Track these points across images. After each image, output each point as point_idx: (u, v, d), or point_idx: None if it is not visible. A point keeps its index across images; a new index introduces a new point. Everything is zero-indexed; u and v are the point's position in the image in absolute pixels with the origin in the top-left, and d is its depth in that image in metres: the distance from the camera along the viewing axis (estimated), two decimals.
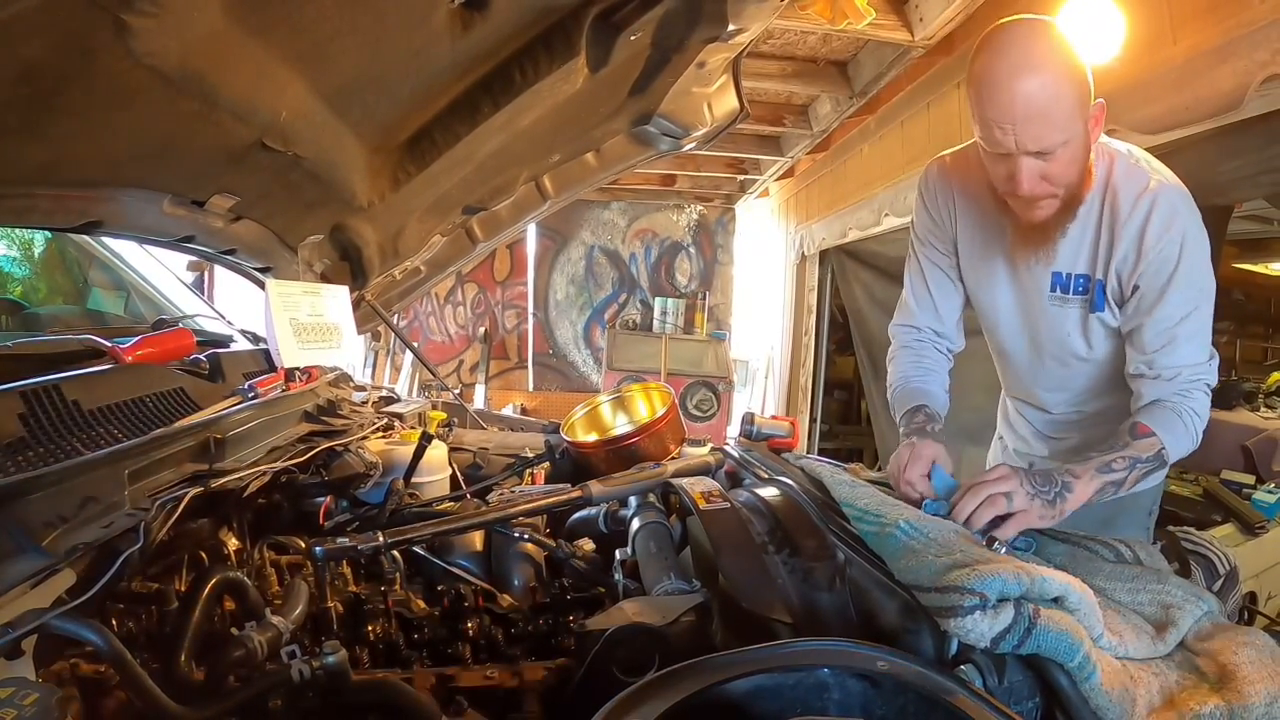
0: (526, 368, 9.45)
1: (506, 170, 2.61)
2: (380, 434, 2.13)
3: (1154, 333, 1.66)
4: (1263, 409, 4.87)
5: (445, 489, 2.07)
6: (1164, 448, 1.59)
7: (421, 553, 1.70)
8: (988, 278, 1.90)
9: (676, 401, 2.40)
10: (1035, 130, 1.52)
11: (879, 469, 1.88)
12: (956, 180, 1.89)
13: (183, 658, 1.06)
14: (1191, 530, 1.81)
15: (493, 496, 1.97)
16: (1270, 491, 3.67)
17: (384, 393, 2.88)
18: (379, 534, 1.42)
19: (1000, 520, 1.40)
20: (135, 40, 1.09)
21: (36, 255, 2.59)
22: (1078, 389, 1.95)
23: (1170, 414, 1.62)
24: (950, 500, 1.47)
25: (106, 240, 2.50)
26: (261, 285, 2.22)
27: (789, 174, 7.63)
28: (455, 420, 2.76)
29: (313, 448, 1.70)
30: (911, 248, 2.04)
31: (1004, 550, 1.27)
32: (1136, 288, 1.67)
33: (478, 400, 8.72)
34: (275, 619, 1.16)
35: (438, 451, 2.06)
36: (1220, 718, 1.03)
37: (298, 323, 2.08)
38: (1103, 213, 1.69)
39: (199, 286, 3.55)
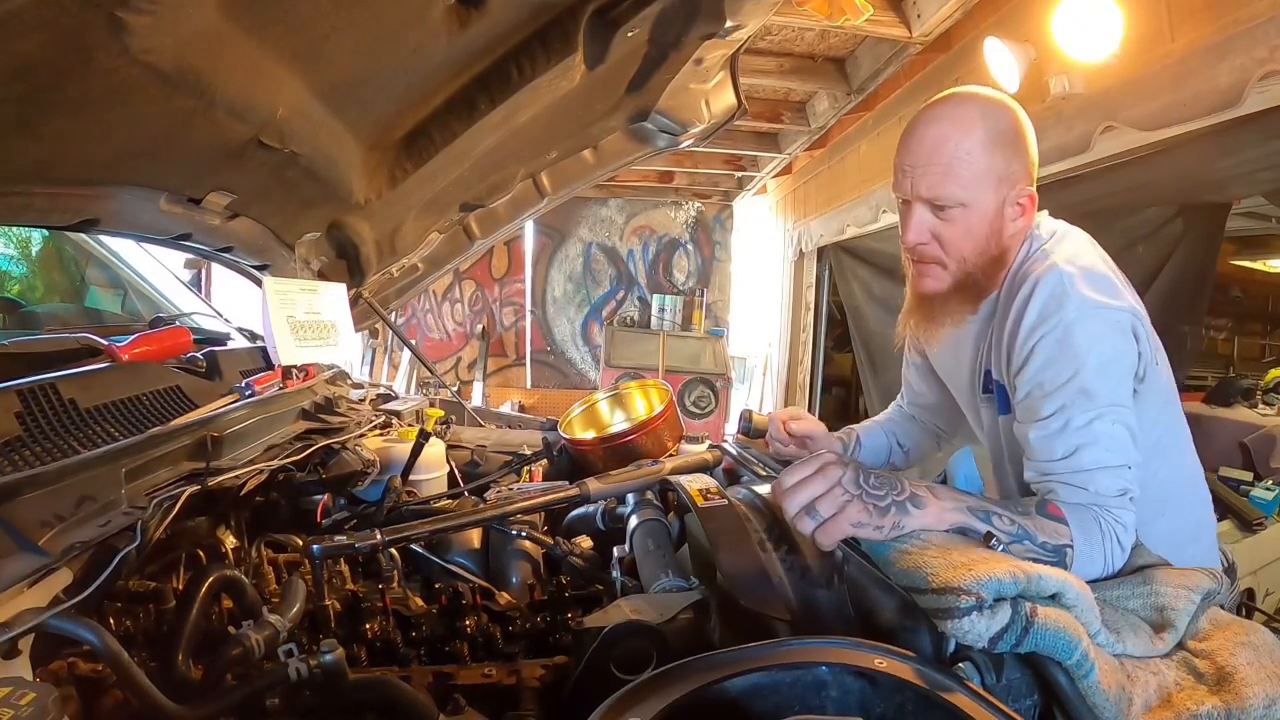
0: (524, 365, 9.45)
1: (504, 167, 2.61)
2: (378, 432, 2.13)
3: (1038, 436, 1.39)
4: (1260, 406, 4.88)
5: (443, 487, 2.07)
6: (1071, 547, 1.28)
7: (419, 550, 1.70)
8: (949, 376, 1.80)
9: (674, 399, 2.41)
10: (933, 177, 1.44)
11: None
12: None
13: (180, 656, 1.06)
14: None
15: (490, 494, 1.97)
16: (1268, 488, 3.68)
17: (381, 390, 2.88)
18: (376, 532, 1.42)
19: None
20: (131, 37, 1.08)
21: (34, 253, 2.58)
22: None
23: (1091, 520, 1.32)
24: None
25: (104, 238, 2.50)
26: (259, 283, 2.21)
27: (787, 171, 7.64)
28: (453, 418, 2.75)
29: (310, 445, 1.70)
30: None
31: (1000, 548, 1.27)
32: (1029, 394, 1.41)
33: (475, 398, 8.73)
34: (273, 617, 1.16)
35: (435, 449, 2.06)
36: (1218, 719, 1.03)
37: (295, 320, 2.08)
38: (1010, 304, 1.47)
39: (196, 284, 3.54)
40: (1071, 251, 1.45)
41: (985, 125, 1.44)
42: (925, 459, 2.04)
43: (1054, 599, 1.08)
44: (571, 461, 2.30)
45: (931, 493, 1.25)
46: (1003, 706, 0.91)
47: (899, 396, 2.07)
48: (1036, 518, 1.29)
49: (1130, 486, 1.35)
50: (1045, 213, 1.58)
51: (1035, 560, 1.21)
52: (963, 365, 1.66)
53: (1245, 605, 1.86)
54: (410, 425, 2.32)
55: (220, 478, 1.34)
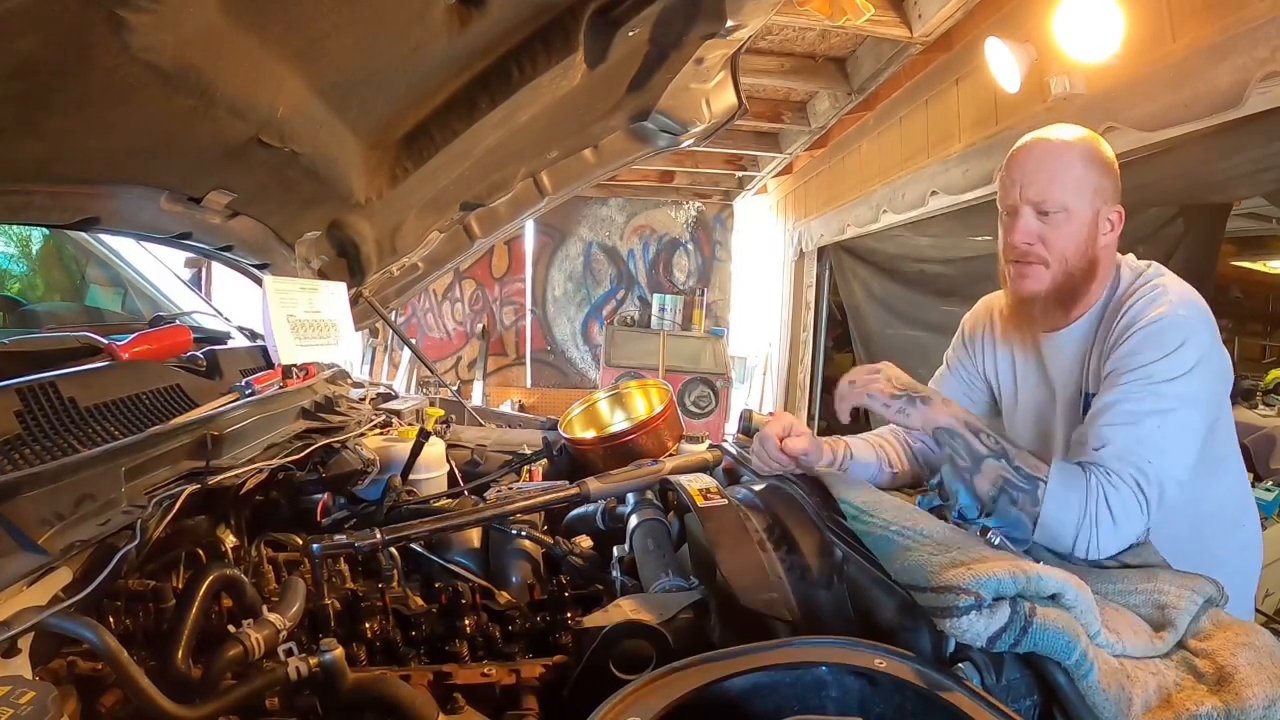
0: (524, 364, 9.44)
1: (504, 167, 2.61)
2: (378, 431, 2.13)
3: (1103, 404, 1.50)
4: (1261, 406, 4.89)
5: (443, 486, 2.07)
6: (1044, 483, 1.40)
7: (419, 550, 1.70)
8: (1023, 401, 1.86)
9: (674, 398, 2.41)
10: (1040, 184, 1.59)
11: None
12: (995, 308, 1.91)
13: (179, 655, 1.06)
14: None
15: (490, 493, 1.97)
16: (1268, 489, 3.68)
17: (381, 389, 2.88)
18: (376, 531, 1.42)
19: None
20: (132, 36, 1.08)
21: (34, 252, 2.58)
22: None
23: (1078, 477, 1.42)
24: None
25: (104, 237, 2.50)
26: (259, 282, 2.21)
27: (787, 170, 7.64)
28: (453, 417, 2.75)
29: (310, 445, 1.70)
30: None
31: (997, 540, 1.27)
32: (1108, 374, 1.54)
33: (475, 397, 8.73)
34: (272, 616, 1.16)
35: (435, 448, 2.06)
36: (1217, 719, 1.03)
37: (295, 319, 2.08)
38: (1112, 320, 1.60)
39: (196, 283, 3.54)
40: (1174, 278, 1.62)
41: (1083, 146, 1.62)
42: (909, 485, 2.04)
43: (1053, 599, 1.08)
44: (571, 461, 2.30)
45: (943, 401, 1.53)
46: (1002, 706, 0.91)
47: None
48: (1023, 452, 1.46)
49: (1153, 485, 1.41)
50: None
51: (1007, 482, 1.43)
52: (1055, 385, 1.73)
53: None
54: (410, 424, 2.32)
55: (220, 477, 1.34)
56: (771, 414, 1.95)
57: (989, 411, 1.95)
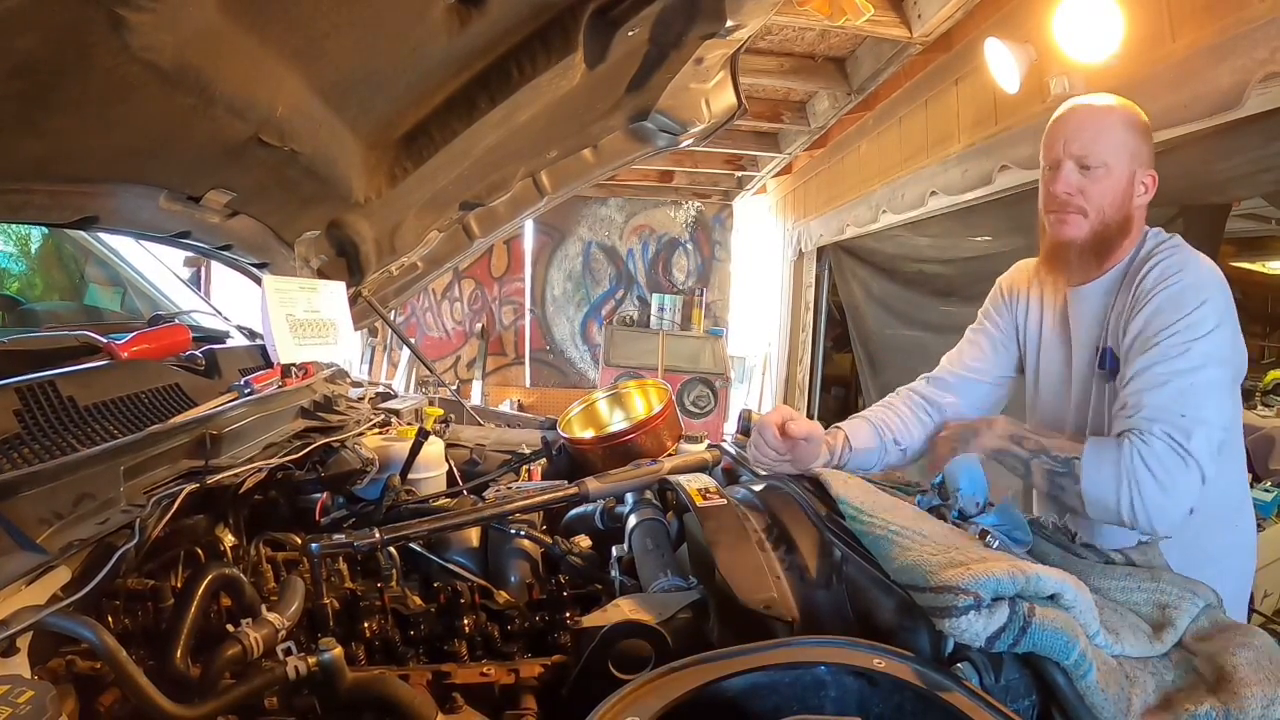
0: (523, 364, 9.45)
1: (504, 166, 2.61)
2: (377, 430, 2.13)
3: (1135, 369, 1.61)
4: (1260, 407, 4.88)
5: (442, 485, 2.07)
6: (1078, 461, 1.56)
7: (418, 549, 1.70)
8: (1047, 352, 1.94)
9: (673, 398, 2.41)
10: (1084, 140, 1.71)
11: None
12: (1031, 268, 2.00)
13: (178, 654, 1.06)
14: None
15: (489, 493, 1.97)
16: (1267, 490, 3.68)
17: (381, 389, 2.88)
18: (375, 530, 1.42)
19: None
20: (131, 35, 1.08)
21: (33, 251, 2.58)
22: None
23: (1110, 445, 1.56)
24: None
25: (103, 236, 2.50)
26: (258, 281, 2.21)
27: (787, 170, 7.64)
28: (452, 416, 2.75)
29: (309, 444, 1.70)
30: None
31: (996, 544, 1.27)
32: (1133, 337, 1.65)
33: (474, 396, 8.73)
34: (271, 616, 1.16)
35: (434, 448, 2.06)
36: (1216, 719, 1.03)
37: (294, 319, 2.08)
38: (1133, 283, 1.71)
39: (195, 282, 3.54)
40: (1192, 250, 1.72)
41: (1124, 111, 1.77)
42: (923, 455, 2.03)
43: (1052, 599, 1.08)
44: (570, 461, 2.30)
45: (987, 426, 1.73)
46: (1001, 707, 0.91)
47: (920, 381, 2.06)
48: (1060, 440, 1.63)
49: (1192, 438, 1.49)
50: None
51: (1051, 473, 1.60)
52: (1072, 342, 1.85)
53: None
54: (409, 424, 2.32)
55: (219, 476, 1.34)
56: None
57: (1013, 369, 2.03)
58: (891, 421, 1.94)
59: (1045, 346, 1.92)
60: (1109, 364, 1.74)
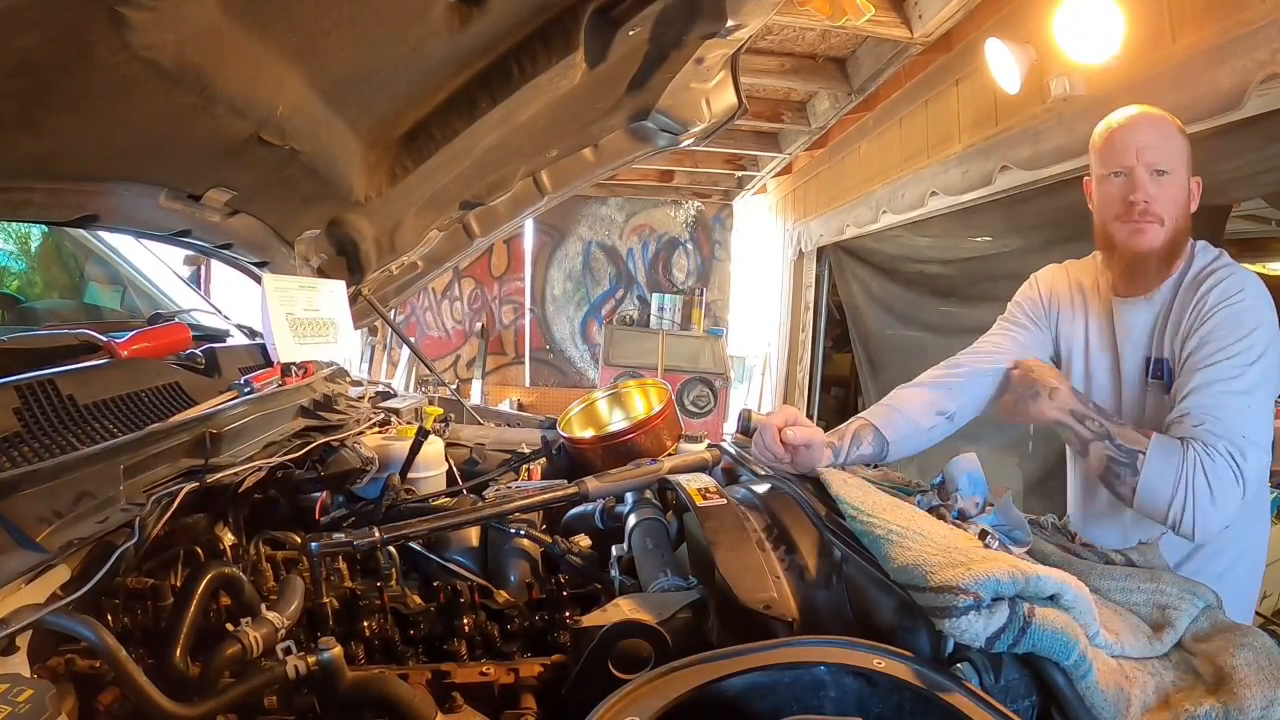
0: (523, 363, 9.45)
1: (504, 165, 2.61)
2: (377, 429, 2.13)
3: (1197, 383, 1.62)
4: None
5: (441, 485, 2.07)
6: (1143, 456, 1.57)
7: (417, 548, 1.70)
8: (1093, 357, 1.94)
9: (673, 398, 2.41)
10: (1156, 147, 1.72)
11: (875, 466, 1.88)
12: (1072, 275, 2.00)
13: (178, 653, 1.06)
14: None
15: (489, 492, 1.97)
16: (1269, 490, 3.67)
17: (380, 388, 2.88)
18: (375, 529, 1.42)
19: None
20: (132, 33, 1.08)
21: (33, 249, 2.58)
22: None
23: (1176, 448, 1.56)
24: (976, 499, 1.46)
25: (103, 234, 2.50)
26: (258, 280, 2.21)
27: (787, 170, 7.64)
28: (452, 416, 2.75)
29: (309, 443, 1.70)
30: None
31: (995, 545, 1.27)
32: (1193, 350, 1.66)
33: (474, 396, 8.73)
34: (270, 615, 1.16)
35: (434, 447, 2.06)
36: (1215, 719, 1.03)
37: (294, 317, 2.08)
38: (1190, 295, 1.72)
39: (195, 281, 3.54)
40: (1238, 265, 1.74)
41: (1174, 123, 1.77)
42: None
43: (1052, 600, 1.08)
44: (570, 460, 2.30)
45: (1049, 396, 1.72)
46: (1000, 707, 0.91)
47: (944, 367, 1.97)
48: (1126, 429, 1.63)
49: (1248, 460, 1.53)
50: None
51: (1110, 459, 1.62)
52: (1124, 350, 1.85)
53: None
54: (409, 423, 2.32)
55: (219, 475, 1.34)
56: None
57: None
58: (932, 400, 1.90)
59: (1092, 354, 1.92)
60: (1165, 375, 1.75)
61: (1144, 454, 1.57)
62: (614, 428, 2.46)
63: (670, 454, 2.11)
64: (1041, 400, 1.72)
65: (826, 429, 1.82)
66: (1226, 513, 1.53)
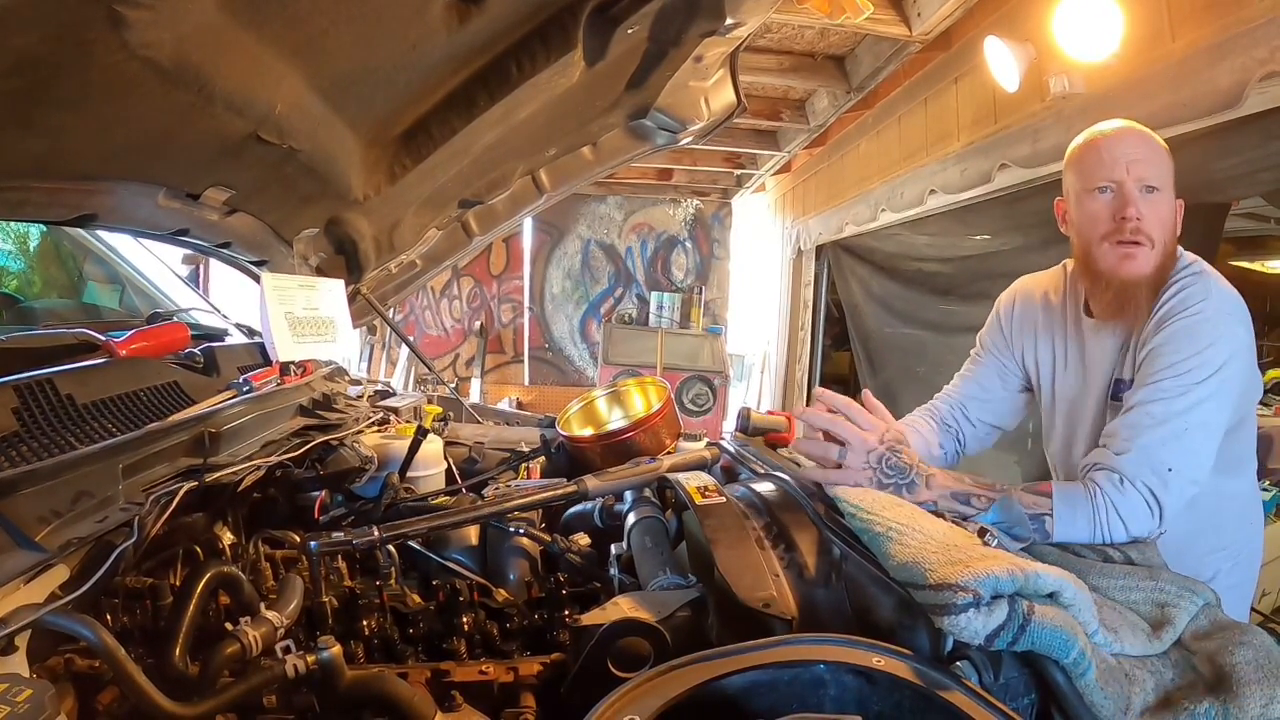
0: (522, 362, 9.45)
1: (503, 164, 2.61)
2: (375, 428, 2.12)
3: (1137, 400, 1.54)
4: (1259, 406, 4.87)
5: (441, 483, 2.07)
6: (1049, 518, 1.44)
7: (417, 547, 1.70)
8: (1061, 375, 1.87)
9: (672, 396, 2.40)
10: (1146, 163, 1.63)
11: None
12: (1037, 294, 1.92)
13: (177, 653, 1.06)
14: None
15: (488, 491, 1.97)
16: (1266, 488, 3.68)
17: (379, 387, 2.88)
18: (374, 528, 1.42)
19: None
20: (130, 32, 1.08)
21: (31, 249, 2.58)
22: None
23: (1082, 498, 1.47)
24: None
25: (101, 234, 2.50)
26: (256, 279, 2.21)
27: (786, 169, 7.64)
28: (451, 414, 2.75)
29: (308, 442, 1.70)
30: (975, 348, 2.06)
31: (995, 543, 1.27)
32: (1143, 362, 1.57)
33: (473, 394, 8.73)
34: (270, 614, 1.16)
35: (433, 446, 2.06)
36: (1215, 718, 1.03)
37: (293, 316, 2.08)
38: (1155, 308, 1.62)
39: (194, 280, 3.54)
40: (1214, 272, 1.65)
41: (1161, 140, 1.68)
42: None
43: (1051, 597, 1.08)
44: (569, 459, 2.30)
45: (927, 484, 1.46)
46: (1000, 705, 0.91)
47: (941, 401, 2.03)
48: (1020, 493, 1.46)
49: (1170, 492, 1.45)
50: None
51: (1018, 538, 1.43)
52: (1090, 372, 1.76)
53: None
54: (408, 422, 2.32)
55: (218, 474, 1.34)
56: (770, 412, 1.96)
57: (1023, 397, 1.98)
58: (928, 431, 1.94)
59: (1059, 379, 1.85)
60: (1122, 395, 1.65)
61: (1049, 515, 1.45)
62: (613, 426, 2.46)
63: (669, 452, 2.11)
64: (919, 490, 1.45)
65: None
66: (1140, 534, 1.45)
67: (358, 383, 2.74)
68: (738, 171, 7.85)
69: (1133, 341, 1.66)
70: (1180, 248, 1.70)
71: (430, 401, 3.02)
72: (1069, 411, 1.83)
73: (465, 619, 1.44)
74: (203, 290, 3.20)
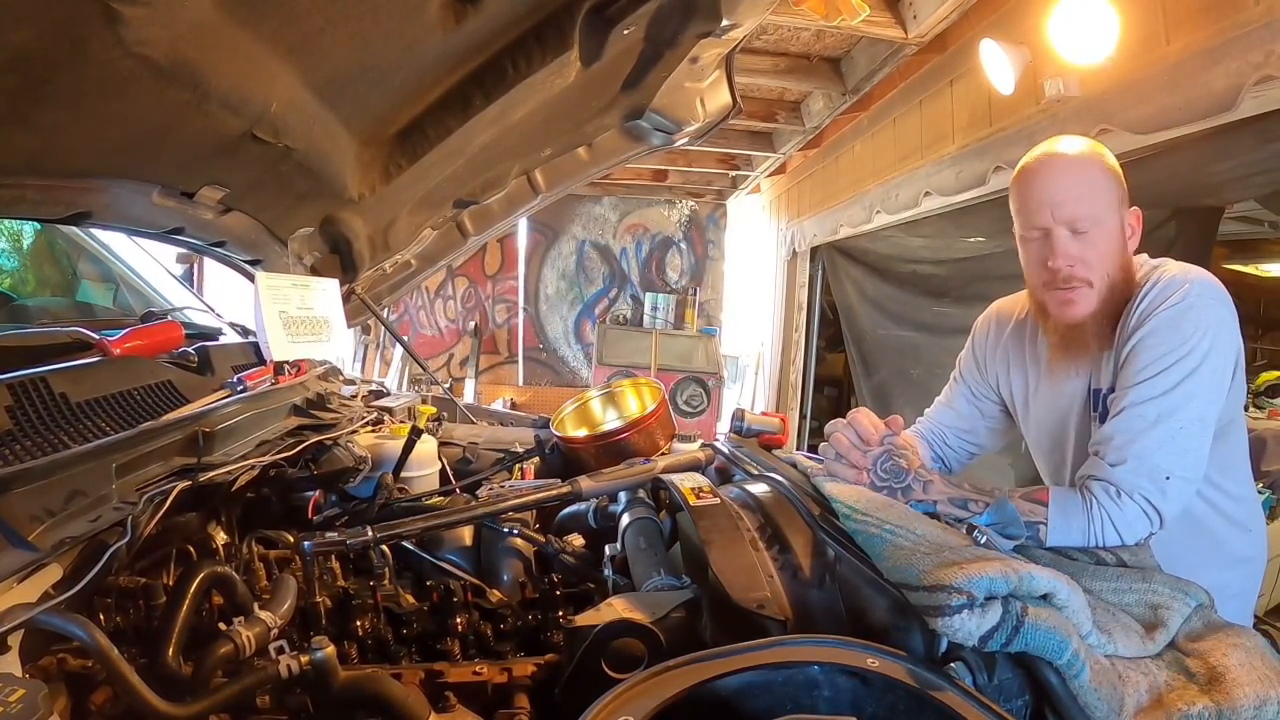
0: (517, 362, 9.44)
1: (498, 164, 2.61)
2: (369, 428, 2.12)
3: (1124, 404, 1.50)
4: (1251, 409, 4.89)
5: (435, 484, 2.07)
6: (1043, 526, 1.43)
7: (410, 548, 1.69)
8: (1035, 398, 1.84)
9: (667, 397, 2.41)
10: (1072, 203, 1.56)
11: None
12: (1010, 318, 1.90)
13: (170, 653, 1.06)
14: None
15: (482, 491, 1.97)
16: (1259, 491, 3.69)
17: (373, 387, 2.88)
18: (368, 529, 1.42)
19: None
20: (126, 29, 1.08)
21: (25, 247, 2.57)
22: None
23: (1077, 506, 1.44)
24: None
25: (96, 232, 2.49)
26: (251, 278, 2.21)
27: (781, 170, 7.64)
28: (445, 415, 2.75)
29: (302, 441, 1.69)
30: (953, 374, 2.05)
31: (984, 540, 1.28)
32: (1125, 363, 1.53)
33: (467, 395, 8.71)
34: (263, 614, 1.15)
35: (427, 446, 2.06)
36: (1208, 719, 1.03)
37: (287, 316, 2.07)
38: (1130, 312, 1.57)
39: (188, 279, 3.53)
40: (1180, 264, 1.59)
41: (1096, 156, 1.61)
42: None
43: (1045, 599, 1.08)
44: (563, 459, 2.30)
45: (924, 489, 1.46)
46: (994, 706, 0.91)
47: (922, 424, 2.04)
48: (1017, 499, 1.45)
49: (1168, 498, 1.43)
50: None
51: (1011, 537, 1.41)
52: (1067, 387, 1.71)
53: None
54: (402, 422, 2.32)
55: (211, 473, 1.34)
56: (764, 413, 1.96)
57: (1001, 421, 1.97)
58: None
59: (1034, 399, 1.82)
60: (1100, 408, 1.62)
61: (1044, 524, 1.43)
62: (607, 427, 2.46)
63: (664, 453, 2.11)
64: (915, 494, 1.46)
65: (820, 427, 1.83)
66: (1137, 540, 1.44)
67: (352, 382, 2.74)
68: (733, 173, 7.84)
69: (1105, 355, 1.62)
70: (1145, 255, 1.66)
71: (424, 401, 3.01)
72: (1051, 432, 1.80)
73: (459, 619, 1.44)
74: (197, 289, 3.20)
